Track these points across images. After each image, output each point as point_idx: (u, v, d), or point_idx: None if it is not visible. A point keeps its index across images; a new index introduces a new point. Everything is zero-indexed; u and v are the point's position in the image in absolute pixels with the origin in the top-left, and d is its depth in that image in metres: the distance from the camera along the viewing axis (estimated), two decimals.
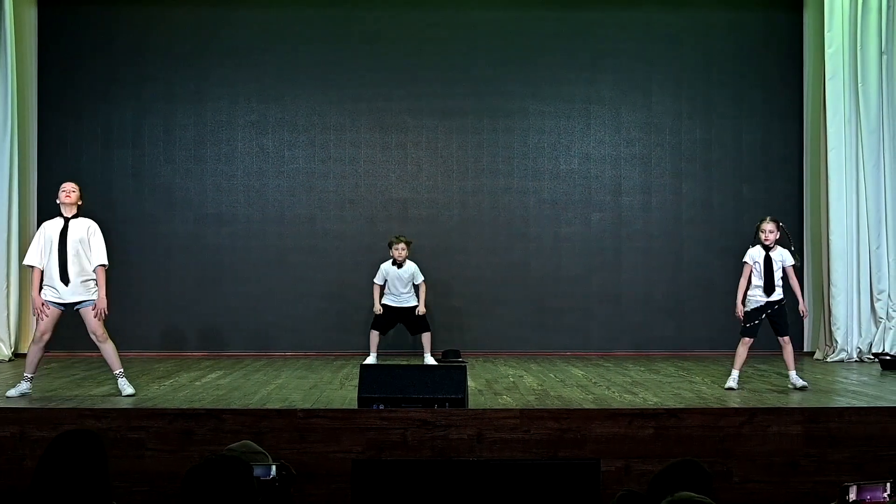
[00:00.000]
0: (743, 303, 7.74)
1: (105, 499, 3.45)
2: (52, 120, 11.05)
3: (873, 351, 10.20)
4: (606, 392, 7.54)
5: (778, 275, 7.70)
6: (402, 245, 9.72)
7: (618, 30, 11.35)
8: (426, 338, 9.74)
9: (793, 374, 7.69)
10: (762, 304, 7.66)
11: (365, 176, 11.21)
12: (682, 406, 6.59)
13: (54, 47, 11.08)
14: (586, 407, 6.60)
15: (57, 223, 7.27)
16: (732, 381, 7.66)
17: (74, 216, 7.28)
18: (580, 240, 11.24)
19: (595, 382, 8.22)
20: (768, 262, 7.66)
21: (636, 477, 5.98)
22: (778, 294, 7.70)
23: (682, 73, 11.32)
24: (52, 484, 3.39)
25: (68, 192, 7.25)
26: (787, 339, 7.76)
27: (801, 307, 8.01)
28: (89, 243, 7.28)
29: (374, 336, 9.68)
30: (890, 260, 10.37)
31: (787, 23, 11.34)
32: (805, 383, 7.65)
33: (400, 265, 9.72)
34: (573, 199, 11.25)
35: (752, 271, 7.72)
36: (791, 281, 7.89)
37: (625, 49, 11.30)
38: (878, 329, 10.30)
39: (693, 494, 3.28)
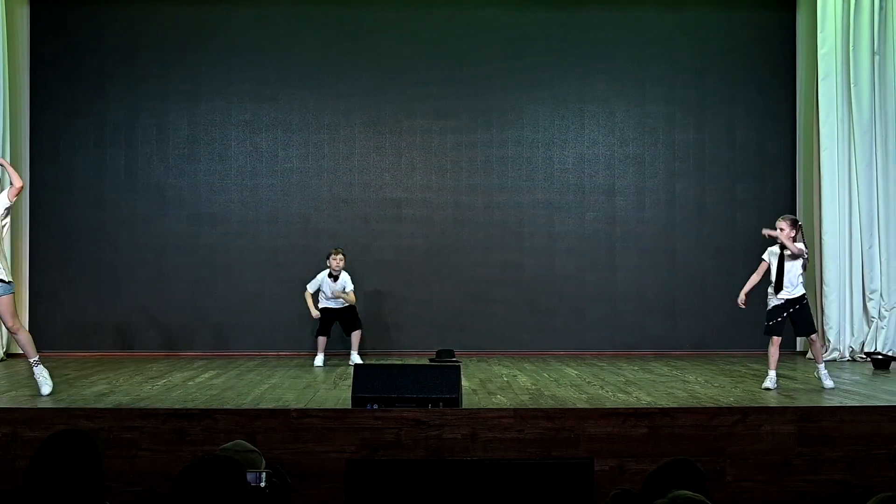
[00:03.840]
0: (745, 298, 7.89)
1: (98, 499, 3.44)
2: (44, 119, 11.02)
3: (865, 350, 10.24)
4: (600, 391, 7.55)
5: (793, 273, 7.65)
6: (340, 256, 9.78)
7: (611, 29, 11.36)
8: (356, 336, 9.77)
9: (820, 367, 7.71)
10: (781, 302, 7.67)
11: (359, 175, 11.20)
12: (675, 405, 6.59)
13: (46, 46, 11.06)
14: (580, 406, 6.61)
15: None
16: (769, 382, 7.62)
17: None
18: (574, 239, 11.25)
19: (589, 382, 8.23)
20: (781, 259, 7.65)
21: (630, 476, 5.99)
22: (790, 293, 7.66)
23: (675, 73, 11.34)
24: (44, 484, 3.38)
25: None
26: (813, 337, 7.83)
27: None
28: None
29: (322, 341, 9.79)
30: (882, 259, 10.41)
31: (780, 23, 11.37)
32: (832, 384, 7.64)
33: (336, 277, 9.76)
34: (567, 199, 11.25)
35: (768, 268, 7.74)
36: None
37: (618, 49, 11.32)
38: (870, 328, 10.35)
39: (690, 493, 3.28)
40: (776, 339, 7.71)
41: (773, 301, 7.70)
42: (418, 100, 11.21)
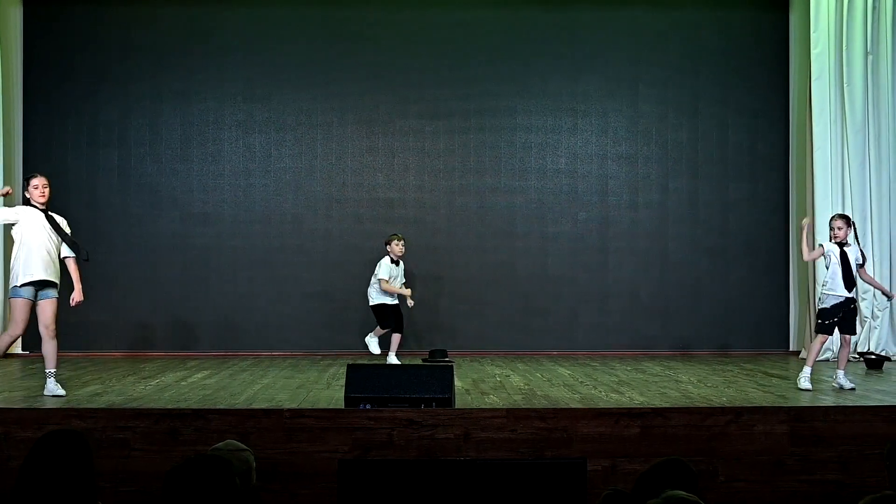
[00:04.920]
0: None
1: (90, 499, 3.44)
2: (37, 118, 10.99)
3: (858, 350, 10.25)
4: (593, 391, 7.55)
5: (854, 270, 7.74)
6: (402, 241, 9.63)
7: (605, 29, 11.37)
8: (397, 338, 9.64)
9: (840, 373, 7.68)
10: (842, 300, 7.66)
11: (352, 175, 11.20)
12: (668, 405, 6.59)
13: (40, 46, 11.03)
14: (573, 406, 6.61)
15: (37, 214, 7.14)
16: (805, 381, 7.61)
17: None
18: (567, 239, 11.26)
19: (581, 382, 8.23)
20: (844, 256, 7.67)
21: (622, 476, 5.99)
22: (855, 291, 7.73)
23: (668, 73, 11.35)
24: (37, 484, 3.38)
25: (42, 191, 7.13)
26: (850, 338, 7.85)
27: (886, 291, 8.67)
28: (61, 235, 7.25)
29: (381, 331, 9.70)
30: (875, 259, 10.43)
31: (774, 23, 11.40)
32: (853, 386, 7.62)
33: (398, 263, 9.67)
34: (560, 199, 11.26)
35: (827, 264, 7.75)
36: (864, 277, 8.04)
37: (612, 49, 11.33)
38: (863, 328, 10.35)
39: (683, 493, 3.29)
40: (825, 338, 7.80)
41: (833, 298, 7.69)
42: (412, 100, 11.22)
